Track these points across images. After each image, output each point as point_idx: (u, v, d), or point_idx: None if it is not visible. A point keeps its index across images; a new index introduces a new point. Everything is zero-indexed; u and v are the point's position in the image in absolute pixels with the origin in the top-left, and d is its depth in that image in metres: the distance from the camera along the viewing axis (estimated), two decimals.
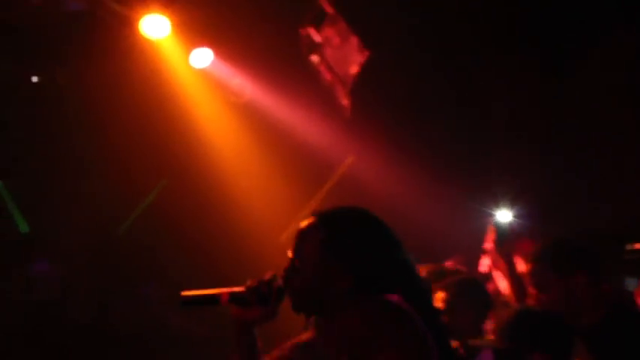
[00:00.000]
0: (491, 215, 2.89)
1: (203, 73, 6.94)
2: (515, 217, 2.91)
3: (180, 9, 6.24)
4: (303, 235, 1.83)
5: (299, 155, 6.98)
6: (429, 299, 1.87)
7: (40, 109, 7.42)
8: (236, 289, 2.06)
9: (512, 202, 2.91)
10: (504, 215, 2.88)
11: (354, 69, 6.48)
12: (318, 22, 6.56)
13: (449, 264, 3.80)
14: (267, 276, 1.98)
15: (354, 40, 6.42)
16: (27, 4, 6.17)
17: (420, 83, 5.96)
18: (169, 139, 7.29)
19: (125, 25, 6.30)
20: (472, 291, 3.29)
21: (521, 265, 3.46)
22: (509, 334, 2.71)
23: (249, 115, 7.13)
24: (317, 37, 6.70)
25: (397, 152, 6.02)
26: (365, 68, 6.21)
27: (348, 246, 1.74)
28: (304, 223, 1.84)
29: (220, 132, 7.33)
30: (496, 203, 2.90)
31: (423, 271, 3.64)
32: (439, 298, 3.19)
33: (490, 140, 5.88)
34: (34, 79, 7.61)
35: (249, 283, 2.02)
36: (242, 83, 7.17)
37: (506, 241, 2.87)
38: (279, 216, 7.06)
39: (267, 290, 1.95)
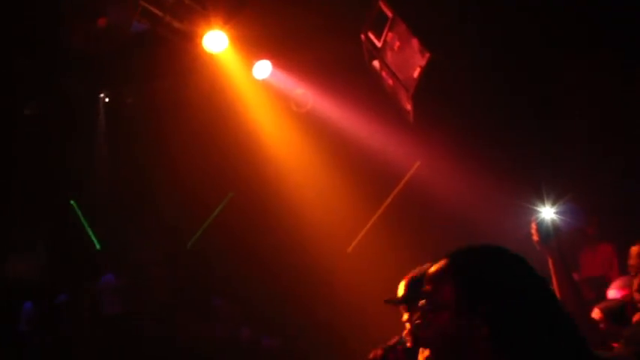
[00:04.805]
0: (537, 212, 2.71)
1: (264, 85, 6.97)
2: (558, 213, 2.71)
3: (239, 23, 6.28)
4: (435, 282, 1.53)
5: (363, 161, 6.87)
6: None
7: (110, 127, 7.67)
8: None
9: (558, 199, 2.71)
10: (548, 212, 2.68)
11: (415, 72, 6.30)
12: (378, 26, 6.42)
13: None
14: (392, 341, 1.85)
15: (414, 43, 6.24)
16: (93, 28, 6.35)
17: (481, 86, 5.73)
18: (234, 150, 7.35)
19: (187, 42, 6.39)
20: None
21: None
22: None
23: (312, 124, 7.10)
24: (377, 42, 6.56)
25: (461, 155, 5.82)
26: (427, 72, 6.02)
27: (488, 295, 1.45)
28: (436, 267, 1.55)
29: (284, 142, 7.33)
30: (542, 199, 2.72)
31: None
32: None
33: (554, 141, 5.60)
34: (106, 99, 7.88)
35: (372, 355, 1.88)
36: (304, 93, 7.15)
37: (551, 237, 2.66)
38: (346, 225, 6.97)
39: (395, 357, 1.84)
